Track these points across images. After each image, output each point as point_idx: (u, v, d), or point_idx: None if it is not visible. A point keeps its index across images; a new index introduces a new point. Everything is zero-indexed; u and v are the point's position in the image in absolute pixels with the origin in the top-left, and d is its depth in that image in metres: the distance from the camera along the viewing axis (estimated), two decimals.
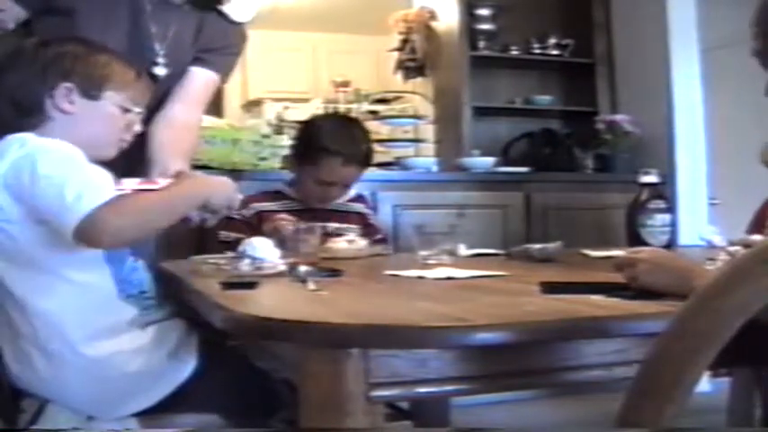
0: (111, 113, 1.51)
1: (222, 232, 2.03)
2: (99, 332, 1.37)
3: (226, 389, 1.41)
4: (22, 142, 1.36)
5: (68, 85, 1.45)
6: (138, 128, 1.58)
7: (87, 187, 1.28)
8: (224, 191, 1.52)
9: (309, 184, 2.18)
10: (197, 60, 2.02)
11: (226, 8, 2.02)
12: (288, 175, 2.36)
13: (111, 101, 1.50)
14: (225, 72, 2.10)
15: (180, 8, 1.97)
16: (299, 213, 2.12)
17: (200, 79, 2.02)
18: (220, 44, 2.03)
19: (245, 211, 2.09)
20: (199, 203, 1.49)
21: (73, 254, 1.34)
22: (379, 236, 2.28)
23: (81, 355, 1.34)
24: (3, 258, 1.36)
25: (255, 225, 2.10)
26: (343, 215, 2.25)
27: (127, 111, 1.53)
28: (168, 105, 1.95)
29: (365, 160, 2.22)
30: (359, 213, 2.31)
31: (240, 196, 1.58)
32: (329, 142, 2.14)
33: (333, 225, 2.16)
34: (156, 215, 1.38)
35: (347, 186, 2.23)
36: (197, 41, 2.00)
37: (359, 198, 2.35)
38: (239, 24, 2.08)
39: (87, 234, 1.25)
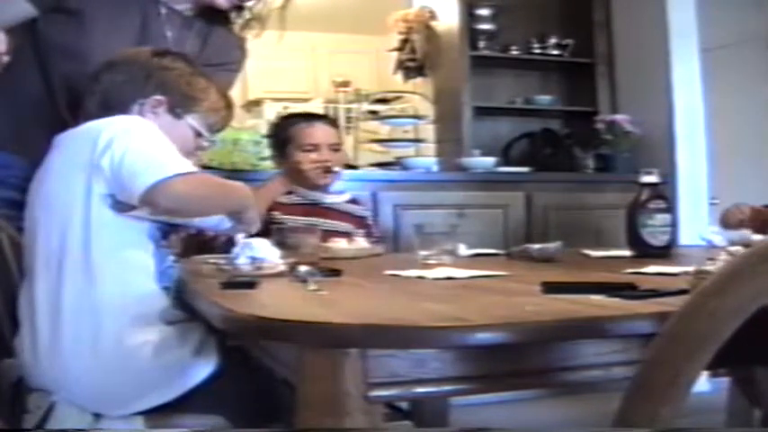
0: (184, 134, 1.58)
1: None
2: (135, 320, 1.37)
3: (239, 392, 1.41)
4: (111, 123, 1.43)
5: (160, 98, 1.54)
6: (201, 154, 1.66)
7: (169, 159, 1.37)
8: (258, 211, 1.56)
9: (302, 158, 2.30)
10: None
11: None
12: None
13: (190, 123, 1.58)
14: (225, 87, 2.09)
15: (189, 20, 1.97)
16: (304, 207, 2.27)
17: None
18: (222, 60, 2.02)
19: None
20: (239, 208, 1.51)
21: (127, 237, 1.39)
22: (375, 237, 2.34)
23: (112, 347, 1.34)
24: (60, 239, 1.37)
25: (265, 219, 2.14)
26: (343, 215, 2.34)
27: (199, 135, 1.60)
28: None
29: (329, 120, 2.49)
30: (357, 215, 2.39)
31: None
32: (290, 119, 2.46)
33: (334, 222, 2.26)
34: (214, 195, 1.47)
35: (334, 149, 2.34)
36: (201, 55, 1.99)
37: (353, 201, 2.45)
38: (243, 41, 2.08)
39: (152, 195, 1.32)
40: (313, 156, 2.29)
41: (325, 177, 2.31)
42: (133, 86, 1.54)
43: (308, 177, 2.30)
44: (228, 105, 1.69)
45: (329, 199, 2.35)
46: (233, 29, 2.07)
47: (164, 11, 1.93)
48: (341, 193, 2.43)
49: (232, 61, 2.07)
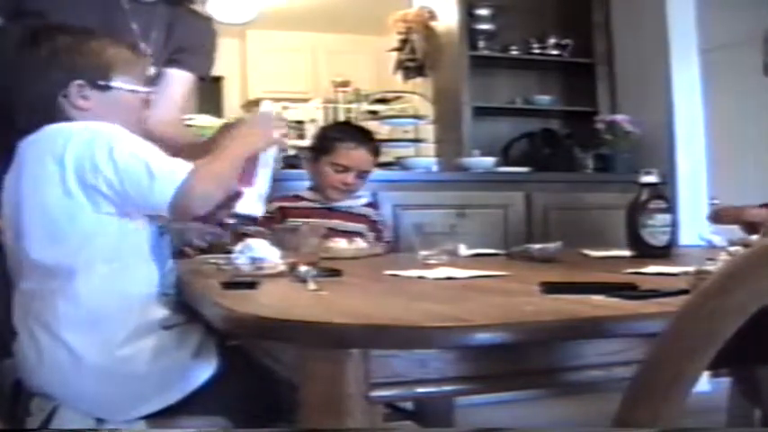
0: (125, 100, 1.49)
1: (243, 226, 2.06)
2: (133, 327, 1.36)
3: (241, 393, 1.41)
4: (81, 129, 1.38)
5: (79, 82, 1.44)
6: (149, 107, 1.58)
7: (166, 164, 1.35)
8: (270, 141, 1.59)
9: (328, 174, 2.37)
10: (172, 62, 1.98)
11: (208, 7, 2.00)
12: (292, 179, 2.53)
13: (120, 88, 1.48)
14: (201, 72, 2.06)
15: (152, 8, 1.94)
16: (320, 211, 2.33)
17: (177, 82, 1.99)
18: (194, 43, 1.99)
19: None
20: (251, 152, 1.56)
21: (123, 244, 1.38)
22: (384, 240, 2.40)
23: (113, 354, 1.33)
24: (57, 247, 1.35)
25: (278, 219, 2.25)
26: (356, 217, 2.41)
27: (136, 92, 1.51)
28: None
29: (374, 147, 2.47)
30: (370, 218, 2.46)
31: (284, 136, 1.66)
32: (340, 133, 2.48)
33: (347, 224, 2.32)
34: (228, 175, 1.47)
35: (362, 176, 2.40)
36: (168, 42, 1.96)
37: (370, 204, 2.53)
38: (209, 21, 2.06)
39: (181, 205, 1.33)
40: (339, 176, 2.36)
41: (337, 195, 2.39)
42: (42, 85, 1.44)
43: (325, 191, 2.40)
44: (131, 48, 1.56)
45: (345, 202, 2.42)
46: (197, 10, 2.05)
47: (127, 5, 1.90)
48: (359, 197, 2.49)
49: (203, 43, 2.04)
